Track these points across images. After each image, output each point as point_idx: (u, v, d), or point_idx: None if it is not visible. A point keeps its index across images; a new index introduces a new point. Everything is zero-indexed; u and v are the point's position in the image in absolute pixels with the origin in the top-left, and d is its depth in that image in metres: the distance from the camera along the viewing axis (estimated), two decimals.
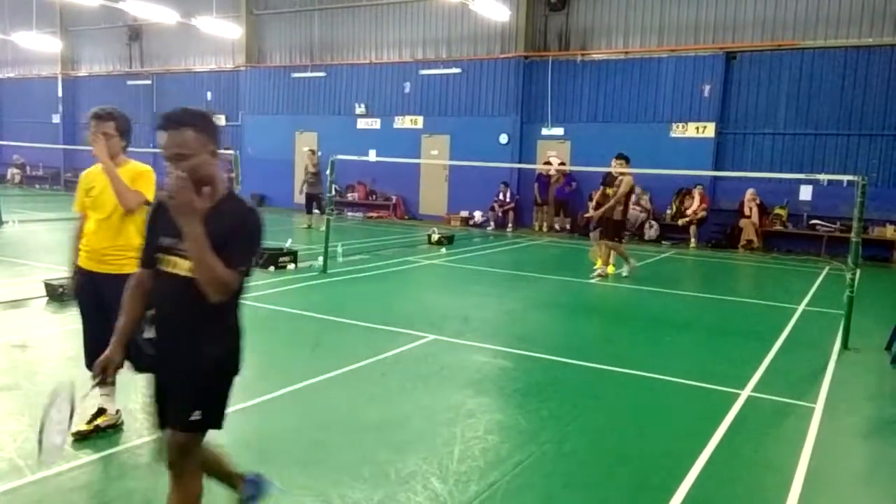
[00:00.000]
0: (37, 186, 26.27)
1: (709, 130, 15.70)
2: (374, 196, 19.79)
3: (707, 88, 15.67)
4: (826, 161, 14.60)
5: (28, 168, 26.84)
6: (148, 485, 3.59)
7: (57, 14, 25.36)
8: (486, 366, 5.92)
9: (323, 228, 14.89)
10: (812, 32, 14.75)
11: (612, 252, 10.87)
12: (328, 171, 10.74)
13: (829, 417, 4.88)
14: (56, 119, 26.40)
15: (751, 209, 14.93)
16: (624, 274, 10.54)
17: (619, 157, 10.61)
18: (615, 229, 10.52)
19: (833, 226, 14.38)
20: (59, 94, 26.23)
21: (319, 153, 18.00)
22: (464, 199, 18.40)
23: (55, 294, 7.49)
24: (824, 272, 12.04)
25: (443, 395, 5.11)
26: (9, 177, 26.44)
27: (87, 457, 3.85)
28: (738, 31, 15.52)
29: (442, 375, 5.57)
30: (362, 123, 19.88)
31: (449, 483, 3.67)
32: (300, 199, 17.25)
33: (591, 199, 16.57)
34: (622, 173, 10.35)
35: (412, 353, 6.18)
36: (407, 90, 19.28)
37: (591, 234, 11.68)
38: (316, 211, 16.01)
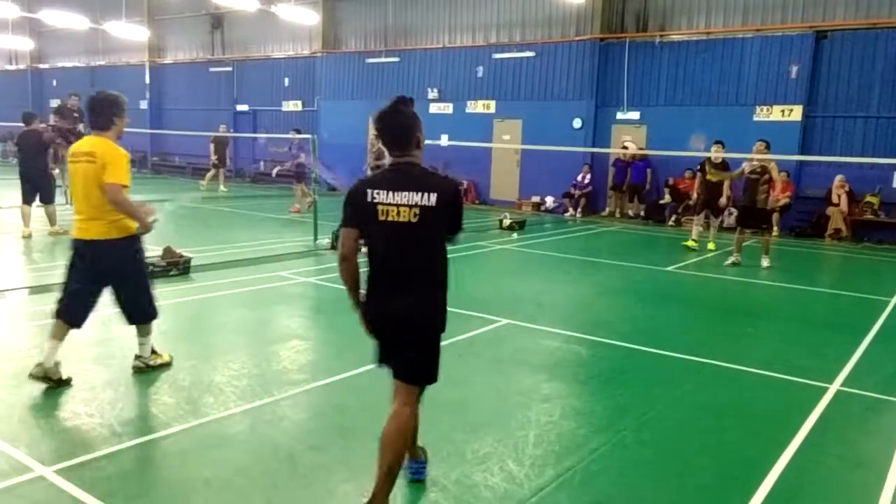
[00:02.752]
0: None
1: (795, 114, 14.99)
2: None
3: (794, 69, 14.95)
4: None
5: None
6: (244, 453, 3.75)
7: (144, 4, 26.43)
8: (560, 351, 5.89)
9: None
10: None
11: (713, 230, 11.95)
12: None
13: None
14: (143, 105, 27.55)
15: (839, 197, 14.21)
16: (765, 265, 10.31)
17: (718, 143, 11.26)
18: (764, 218, 10.62)
19: None
20: (147, 81, 27.37)
21: None
22: (535, 184, 18.22)
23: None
24: None
25: (517, 379, 5.11)
26: None
27: (179, 426, 4.04)
28: (829, 9, 14.69)
29: (516, 359, 5.57)
30: (435, 108, 19.92)
31: (525, 465, 3.68)
32: None
33: (667, 186, 16.24)
34: (759, 159, 10.37)
35: (486, 336, 6.20)
36: (480, 74, 19.19)
37: (699, 219, 12.22)
38: None
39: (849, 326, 7.11)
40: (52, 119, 13.43)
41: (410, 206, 2.94)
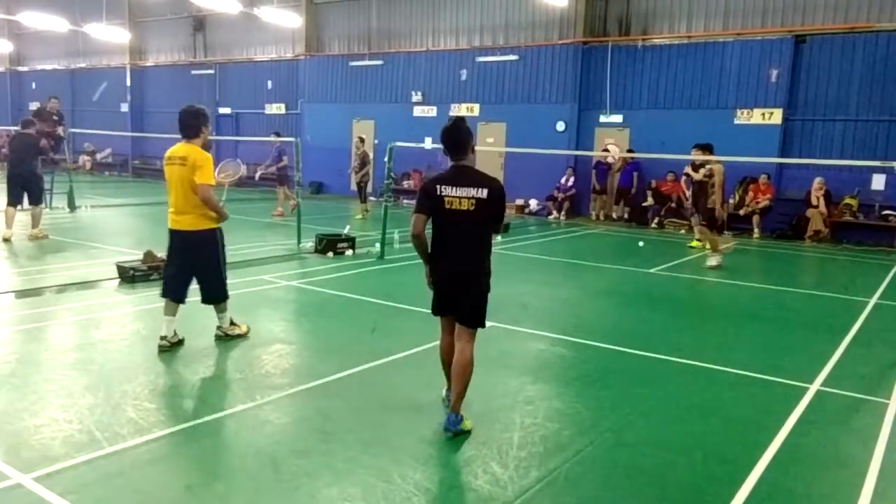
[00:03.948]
0: (106, 173, 27.32)
1: (775, 117, 15.16)
2: None
3: (774, 73, 15.13)
4: None
5: (98, 155, 27.90)
6: (226, 459, 3.72)
7: (125, 6, 26.22)
8: (544, 353, 5.90)
9: (360, 217, 15.20)
10: (887, 14, 14.04)
11: (697, 230, 12.12)
12: (386, 159, 10.82)
13: None
14: (124, 108, 27.34)
15: (818, 199, 14.39)
16: (710, 264, 10.45)
17: (697, 146, 10.99)
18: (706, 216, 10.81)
19: None
20: (128, 83, 27.14)
21: (376, 141, 18.08)
22: (519, 187, 18.25)
23: (126, 276, 7.79)
24: None
25: (501, 381, 5.12)
26: (80, 164, 27.55)
27: (160, 431, 4.00)
28: (808, 14, 14.90)
29: (500, 362, 5.57)
30: (419, 111, 19.93)
31: (509, 468, 3.68)
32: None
33: (649, 188, 16.34)
34: (708, 161, 10.55)
35: None
36: (463, 77, 19.23)
37: (693, 219, 12.62)
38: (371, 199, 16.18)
39: (829, 327, 7.19)
40: None
41: (468, 198, 3.96)
